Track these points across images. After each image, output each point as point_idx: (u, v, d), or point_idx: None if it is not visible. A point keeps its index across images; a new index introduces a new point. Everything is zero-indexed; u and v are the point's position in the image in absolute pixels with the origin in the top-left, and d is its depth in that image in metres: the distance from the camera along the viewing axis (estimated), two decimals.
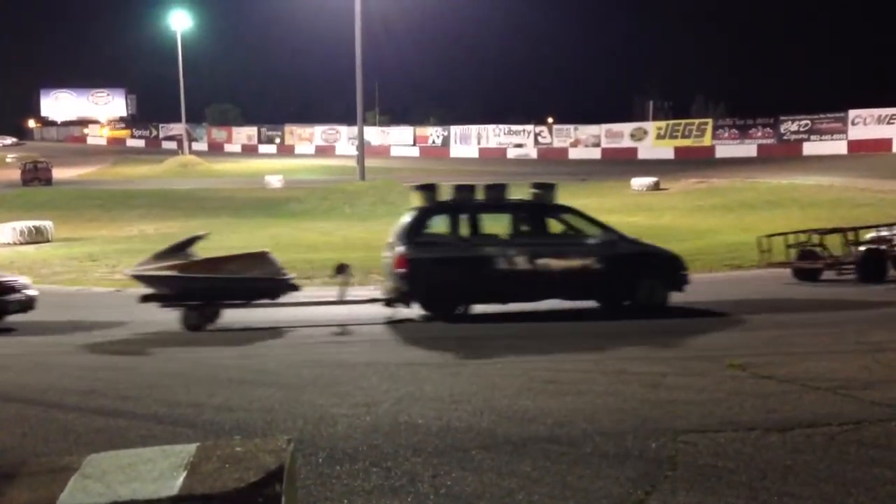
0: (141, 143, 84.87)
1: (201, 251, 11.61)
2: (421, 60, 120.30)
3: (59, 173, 51.76)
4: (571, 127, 62.72)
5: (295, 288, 11.37)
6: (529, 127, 65.10)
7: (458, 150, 65.60)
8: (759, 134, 53.85)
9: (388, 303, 11.30)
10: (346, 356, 8.33)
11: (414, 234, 11.27)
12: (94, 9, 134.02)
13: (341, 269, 11.63)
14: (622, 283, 11.24)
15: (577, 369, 7.23)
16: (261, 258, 11.28)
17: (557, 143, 62.14)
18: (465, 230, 11.50)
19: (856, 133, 49.22)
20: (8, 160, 65.07)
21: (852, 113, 49.58)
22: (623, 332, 9.74)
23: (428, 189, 11.82)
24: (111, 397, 6.42)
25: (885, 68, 77.26)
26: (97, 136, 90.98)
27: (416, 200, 11.92)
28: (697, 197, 32.87)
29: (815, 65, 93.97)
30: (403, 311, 11.28)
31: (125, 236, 25.34)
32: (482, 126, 66.78)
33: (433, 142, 67.99)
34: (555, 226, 11.78)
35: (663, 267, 11.53)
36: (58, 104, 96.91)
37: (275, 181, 43.31)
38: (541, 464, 4.35)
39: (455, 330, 10.22)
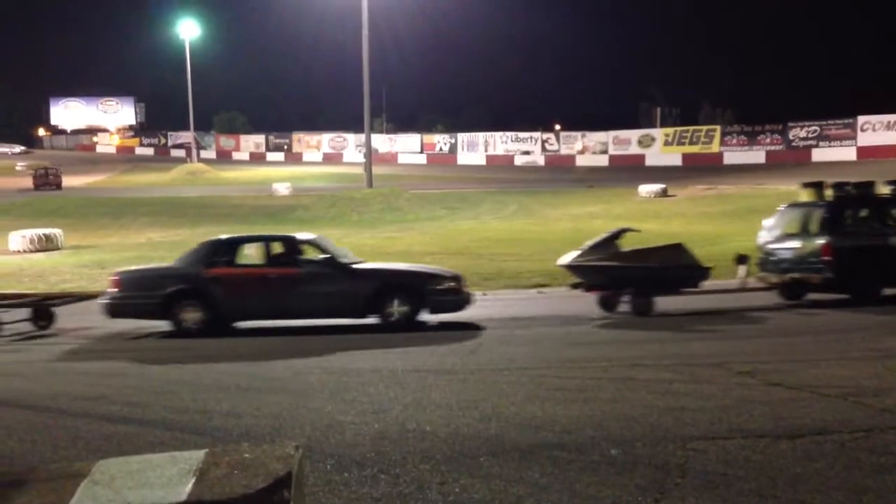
0: (150, 151, 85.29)
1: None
2: (428, 68, 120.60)
3: (68, 181, 52.17)
4: (579, 134, 62.72)
5: (708, 276, 12.08)
6: (537, 134, 65.10)
7: (465, 158, 65.68)
8: (768, 140, 53.72)
9: (783, 291, 12.51)
10: (352, 363, 8.33)
11: (836, 225, 12.41)
12: (103, 18, 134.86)
13: (742, 259, 12.60)
14: None
15: (584, 376, 7.20)
16: (678, 249, 12.03)
17: (565, 150, 62.15)
18: (873, 221, 12.76)
19: (865, 139, 49.03)
20: (18, 168, 65.63)
21: (861, 119, 49.41)
22: (629, 340, 9.71)
23: (817, 186, 13.10)
24: (119, 404, 6.44)
25: (894, 74, 76.96)
26: (106, 145, 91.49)
27: (806, 196, 13.23)
28: (705, 203, 32.79)
29: (824, 70, 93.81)
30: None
31: (134, 244, 25.42)
32: (489, 133, 66.87)
33: (440, 149, 68.08)
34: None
35: None
36: (67, 112, 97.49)
37: (282, 188, 43.39)
38: (549, 471, 4.34)
39: (464, 335, 10.21)
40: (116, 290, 11.16)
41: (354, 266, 11.53)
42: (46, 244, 24.14)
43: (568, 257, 12.15)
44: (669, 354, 8.28)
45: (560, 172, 54.42)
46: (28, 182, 51.62)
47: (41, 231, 24.73)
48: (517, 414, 5.62)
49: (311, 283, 11.10)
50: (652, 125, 69.50)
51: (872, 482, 4.08)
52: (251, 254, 11.78)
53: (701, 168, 50.28)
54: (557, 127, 73.29)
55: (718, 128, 58.11)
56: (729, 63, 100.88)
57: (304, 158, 72.29)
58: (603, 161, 59.55)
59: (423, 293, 11.08)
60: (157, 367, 8.57)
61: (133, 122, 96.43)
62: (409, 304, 10.98)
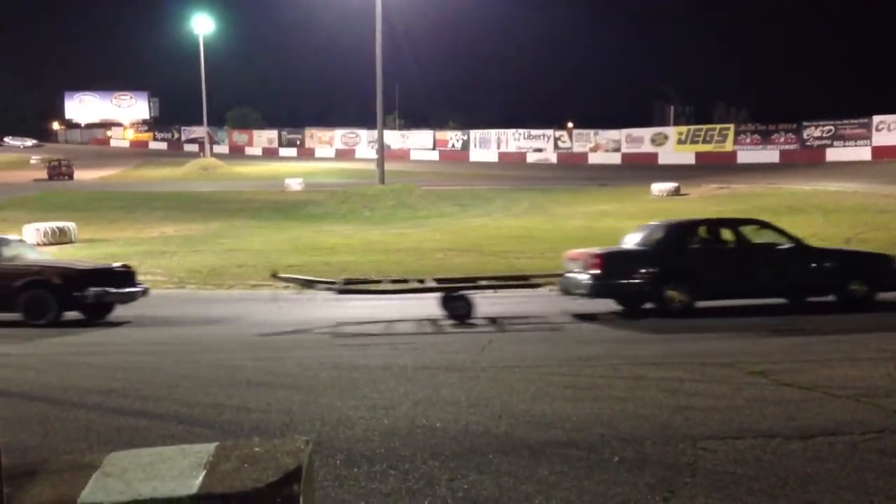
0: (163, 145, 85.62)
1: None
2: (441, 64, 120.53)
3: (82, 175, 52.58)
4: (591, 132, 62.53)
5: None
6: (549, 131, 64.97)
7: (477, 155, 65.62)
8: (782, 139, 53.41)
9: None
10: (363, 359, 8.35)
11: None
12: (117, 13, 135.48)
13: None
14: None
15: (594, 374, 7.20)
16: None
17: (577, 148, 62.00)
18: None
19: (880, 139, 48.65)
20: (32, 162, 66.17)
21: (876, 118, 49.03)
22: (640, 338, 9.69)
23: None
24: (131, 397, 6.48)
25: None
26: (120, 139, 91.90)
27: None
28: (718, 202, 32.60)
29: (839, 70, 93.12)
30: None
31: (146, 237, 25.53)
32: (502, 130, 66.76)
33: (453, 146, 68.05)
34: None
35: None
36: (82, 107, 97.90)
37: (295, 184, 43.49)
38: (558, 468, 4.34)
39: (472, 333, 10.22)
40: (599, 271, 11.23)
41: (818, 247, 12.47)
42: (60, 237, 24.28)
43: None
44: (680, 353, 8.26)
45: (573, 170, 54.28)
46: (41, 174, 52.52)
47: (55, 224, 24.88)
48: (527, 411, 5.62)
49: (787, 264, 11.75)
50: (665, 123, 69.26)
51: (883, 483, 4.06)
52: (719, 235, 12.11)
53: (714, 167, 50.04)
54: (570, 125, 73.14)
55: (732, 126, 57.82)
56: (743, 62, 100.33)
57: (317, 154, 72.42)
58: (616, 159, 59.37)
59: (880, 272, 11.79)
60: (168, 362, 8.61)
61: (147, 116, 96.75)
62: (868, 283, 11.57)
